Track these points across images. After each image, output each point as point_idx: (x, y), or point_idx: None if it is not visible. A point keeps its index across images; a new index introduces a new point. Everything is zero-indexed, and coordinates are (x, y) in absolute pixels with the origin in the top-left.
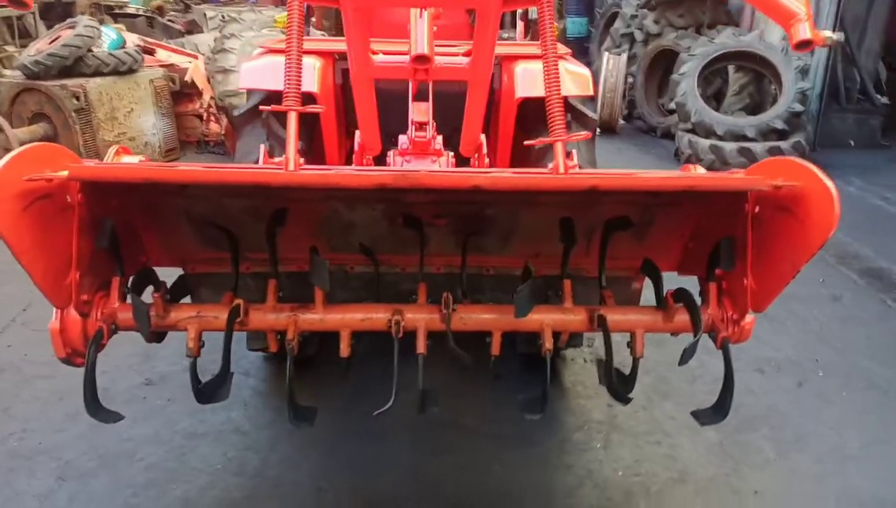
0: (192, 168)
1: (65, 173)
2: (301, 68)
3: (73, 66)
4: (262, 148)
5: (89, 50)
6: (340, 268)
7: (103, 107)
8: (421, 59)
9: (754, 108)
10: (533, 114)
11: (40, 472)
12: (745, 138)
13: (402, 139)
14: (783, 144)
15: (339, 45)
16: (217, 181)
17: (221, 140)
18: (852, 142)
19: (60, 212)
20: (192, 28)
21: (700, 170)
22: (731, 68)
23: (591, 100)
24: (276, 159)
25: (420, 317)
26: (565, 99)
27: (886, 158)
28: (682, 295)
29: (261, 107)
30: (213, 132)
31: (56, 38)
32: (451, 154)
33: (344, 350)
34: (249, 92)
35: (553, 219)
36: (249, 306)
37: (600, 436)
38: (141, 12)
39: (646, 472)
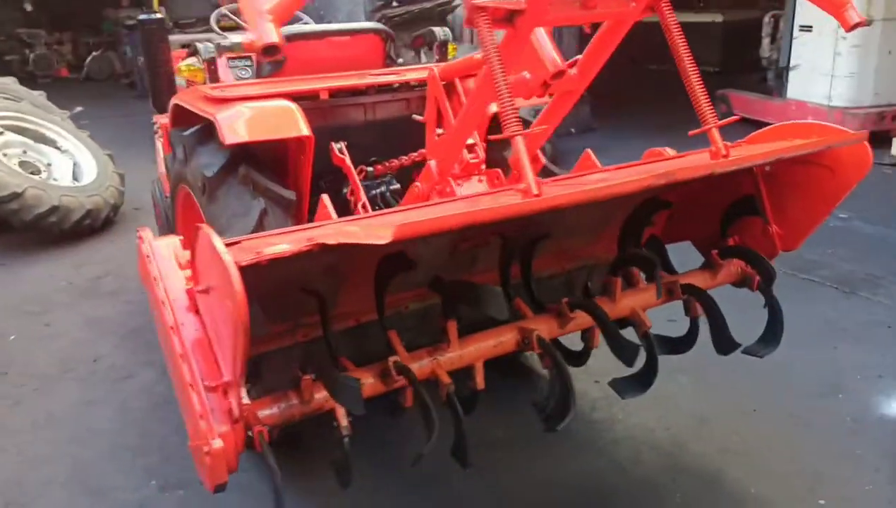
0: (446, 211)
1: None
2: (510, 91)
3: None
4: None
5: None
6: (396, 311)
7: None
8: (559, 75)
9: None
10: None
11: None
12: None
13: None
14: None
15: (294, 85)
16: (483, 220)
17: None
18: (573, 130)
19: None
20: None
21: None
22: None
23: None
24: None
25: (543, 328)
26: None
27: (602, 137)
28: (738, 251)
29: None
30: None
31: None
32: (500, 170)
33: (480, 383)
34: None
35: (585, 214)
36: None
37: (617, 408)
38: None
39: (674, 425)
